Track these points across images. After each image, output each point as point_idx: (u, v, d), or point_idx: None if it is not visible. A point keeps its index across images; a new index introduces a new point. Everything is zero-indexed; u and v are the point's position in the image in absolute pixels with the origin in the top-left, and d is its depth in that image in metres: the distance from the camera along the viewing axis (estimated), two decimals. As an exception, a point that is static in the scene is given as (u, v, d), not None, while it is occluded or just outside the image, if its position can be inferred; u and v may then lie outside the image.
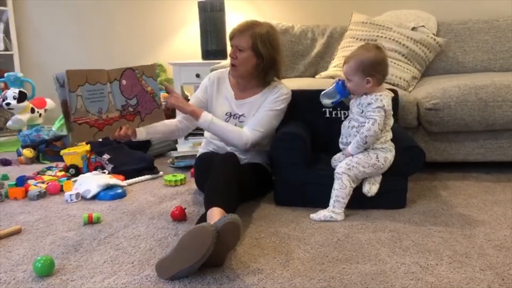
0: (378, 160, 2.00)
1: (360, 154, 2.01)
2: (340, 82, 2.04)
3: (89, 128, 1.86)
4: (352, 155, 2.02)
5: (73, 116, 1.80)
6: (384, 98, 1.97)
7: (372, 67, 1.95)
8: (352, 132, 2.03)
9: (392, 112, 2.03)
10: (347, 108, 2.15)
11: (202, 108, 2.26)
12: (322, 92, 2.11)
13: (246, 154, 2.26)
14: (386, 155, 2.01)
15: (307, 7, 3.79)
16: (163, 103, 2.12)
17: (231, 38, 2.21)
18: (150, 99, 2.04)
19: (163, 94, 2.32)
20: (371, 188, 2.03)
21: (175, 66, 3.50)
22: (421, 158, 2.07)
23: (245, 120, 2.26)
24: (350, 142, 2.03)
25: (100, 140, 2.00)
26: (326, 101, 2.10)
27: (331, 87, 2.08)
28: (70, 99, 1.79)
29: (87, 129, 1.85)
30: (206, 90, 2.33)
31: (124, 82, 1.97)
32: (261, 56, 2.16)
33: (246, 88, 2.30)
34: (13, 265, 1.61)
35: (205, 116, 2.14)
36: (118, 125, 1.98)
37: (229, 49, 2.28)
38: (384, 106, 1.95)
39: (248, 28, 2.17)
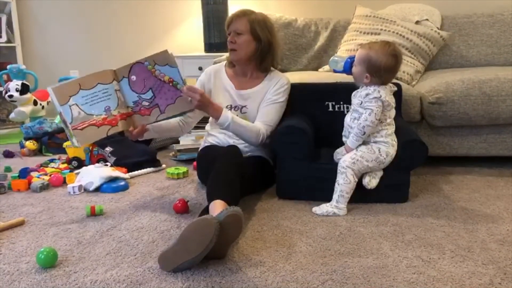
0: (381, 154, 2.00)
1: (364, 147, 2.01)
2: (350, 60, 2.05)
3: (97, 128, 1.91)
4: (352, 149, 2.02)
5: (70, 125, 1.87)
6: (381, 89, 1.97)
7: (376, 69, 1.95)
8: (353, 125, 2.03)
9: (393, 105, 2.02)
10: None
11: None
12: (334, 57, 2.15)
13: (249, 147, 2.26)
14: (388, 149, 2.01)
15: (310, 0, 3.77)
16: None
17: (228, 25, 2.25)
18: (170, 88, 1.97)
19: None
20: (370, 181, 2.03)
21: (178, 59, 3.47)
22: (424, 152, 2.06)
23: (247, 111, 2.27)
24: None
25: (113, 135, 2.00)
26: (332, 65, 2.13)
27: (343, 58, 2.10)
28: (63, 112, 1.87)
29: (94, 130, 1.90)
30: (203, 86, 2.34)
31: (133, 78, 1.97)
32: (259, 40, 2.22)
33: (244, 76, 2.32)
34: (17, 256, 1.62)
35: (225, 116, 2.09)
36: (131, 120, 2.00)
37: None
38: (381, 97, 1.95)
39: (245, 14, 2.24)
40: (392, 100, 2.02)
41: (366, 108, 1.97)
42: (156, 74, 1.96)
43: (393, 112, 2.04)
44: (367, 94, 1.98)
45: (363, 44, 2.06)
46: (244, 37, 2.21)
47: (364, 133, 1.98)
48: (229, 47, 2.25)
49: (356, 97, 2.04)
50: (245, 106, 2.28)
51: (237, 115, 2.25)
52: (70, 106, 1.88)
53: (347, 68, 2.06)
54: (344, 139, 2.11)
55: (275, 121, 2.25)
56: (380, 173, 2.06)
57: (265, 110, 2.25)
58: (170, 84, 1.97)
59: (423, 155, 2.07)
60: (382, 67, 1.95)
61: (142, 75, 1.97)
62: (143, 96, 1.98)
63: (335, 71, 2.15)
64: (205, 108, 2.05)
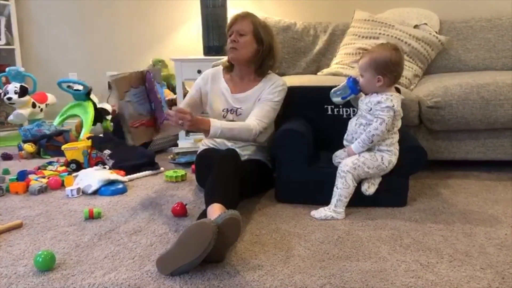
0: (383, 162, 1.99)
1: (367, 154, 2.00)
2: (351, 79, 2.03)
3: (146, 128, 1.92)
4: (355, 154, 2.01)
5: (129, 122, 1.87)
6: (394, 98, 1.96)
7: (385, 67, 1.94)
8: (358, 130, 2.02)
9: (401, 114, 2.02)
10: (351, 106, 2.15)
11: (195, 104, 2.34)
12: (332, 90, 2.10)
13: (247, 151, 2.26)
14: (390, 158, 2.00)
15: (309, 4, 3.78)
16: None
17: (231, 25, 2.25)
18: (160, 108, 1.94)
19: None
20: (369, 187, 2.03)
21: (177, 62, 3.49)
22: (424, 158, 2.07)
23: (242, 113, 2.27)
24: (355, 140, 2.03)
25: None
26: (336, 99, 2.09)
27: (341, 84, 2.07)
28: (121, 107, 1.86)
29: (144, 130, 1.92)
30: (199, 90, 2.35)
31: (147, 85, 1.98)
32: (261, 42, 2.23)
33: (241, 80, 2.32)
34: (14, 259, 1.61)
35: (215, 127, 2.06)
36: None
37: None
38: (393, 106, 1.94)
39: (249, 15, 2.27)
40: (401, 110, 2.01)
41: (378, 117, 1.95)
42: (155, 89, 1.96)
43: (400, 122, 2.04)
44: (378, 102, 1.96)
45: (362, 54, 2.06)
46: (247, 37, 2.22)
47: (372, 141, 1.97)
48: (230, 45, 2.23)
49: (364, 103, 2.02)
50: (240, 108, 2.28)
51: (232, 118, 2.26)
52: (126, 102, 1.86)
53: (352, 86, 2.01)
54: (345, 142, 2.11)
55: (269, 118, 2.22)
56: (378, 180, 2.06)
57: (259, 107, 2.24)
58: (161, 103, 1.95)
59: (423, 161, 2.07)
60: (389, 62, 1.94)
61: (150, 85, 1.97)
62: (151, 105, 1.99)
63: (343, 99, 2.07)
64: (196, 126, 2.03)
